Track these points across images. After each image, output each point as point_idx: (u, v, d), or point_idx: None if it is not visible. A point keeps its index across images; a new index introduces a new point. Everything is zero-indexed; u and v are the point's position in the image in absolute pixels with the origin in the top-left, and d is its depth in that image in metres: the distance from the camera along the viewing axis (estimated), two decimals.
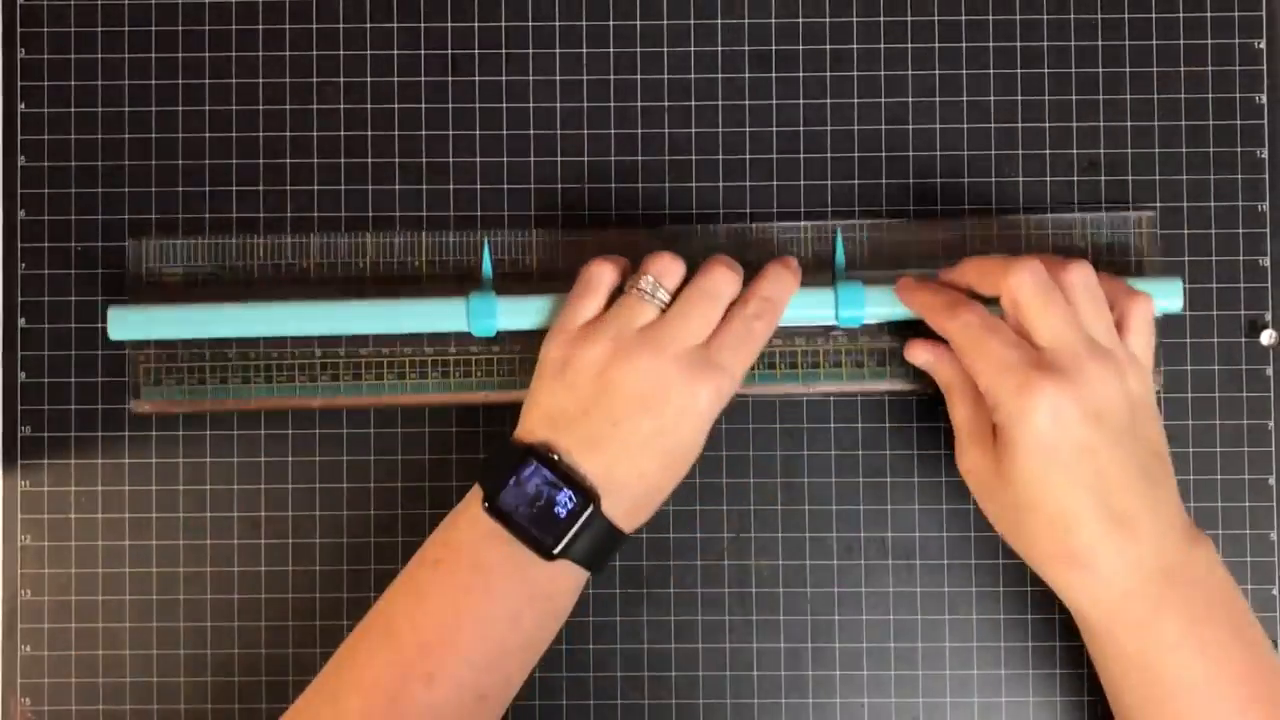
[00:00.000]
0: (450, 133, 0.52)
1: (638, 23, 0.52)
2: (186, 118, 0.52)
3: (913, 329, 0.48)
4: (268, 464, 0.51)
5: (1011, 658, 0.51)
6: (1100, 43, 0.52)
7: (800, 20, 0.52)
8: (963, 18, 0.52)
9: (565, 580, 0.45)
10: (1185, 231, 0.51)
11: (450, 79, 0.52)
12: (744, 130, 0.52)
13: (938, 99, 0.52)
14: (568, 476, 0.43)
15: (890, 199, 0.52)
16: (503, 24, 0.52)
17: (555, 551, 0.43)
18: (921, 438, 0.51)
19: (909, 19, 0.52)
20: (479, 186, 0.52)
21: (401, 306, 0.49)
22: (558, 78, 0.52)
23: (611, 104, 0.52)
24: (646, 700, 0.51)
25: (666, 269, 0.46)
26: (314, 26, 0.52)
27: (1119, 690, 0.44)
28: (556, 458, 0.44)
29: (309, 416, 0.51)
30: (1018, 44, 0.52)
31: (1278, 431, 0.51)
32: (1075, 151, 0.52)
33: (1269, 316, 0.51)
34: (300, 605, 0.51)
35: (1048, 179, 0.51)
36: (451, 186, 0.52)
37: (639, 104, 0.52)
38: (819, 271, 0.50)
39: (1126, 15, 0.52)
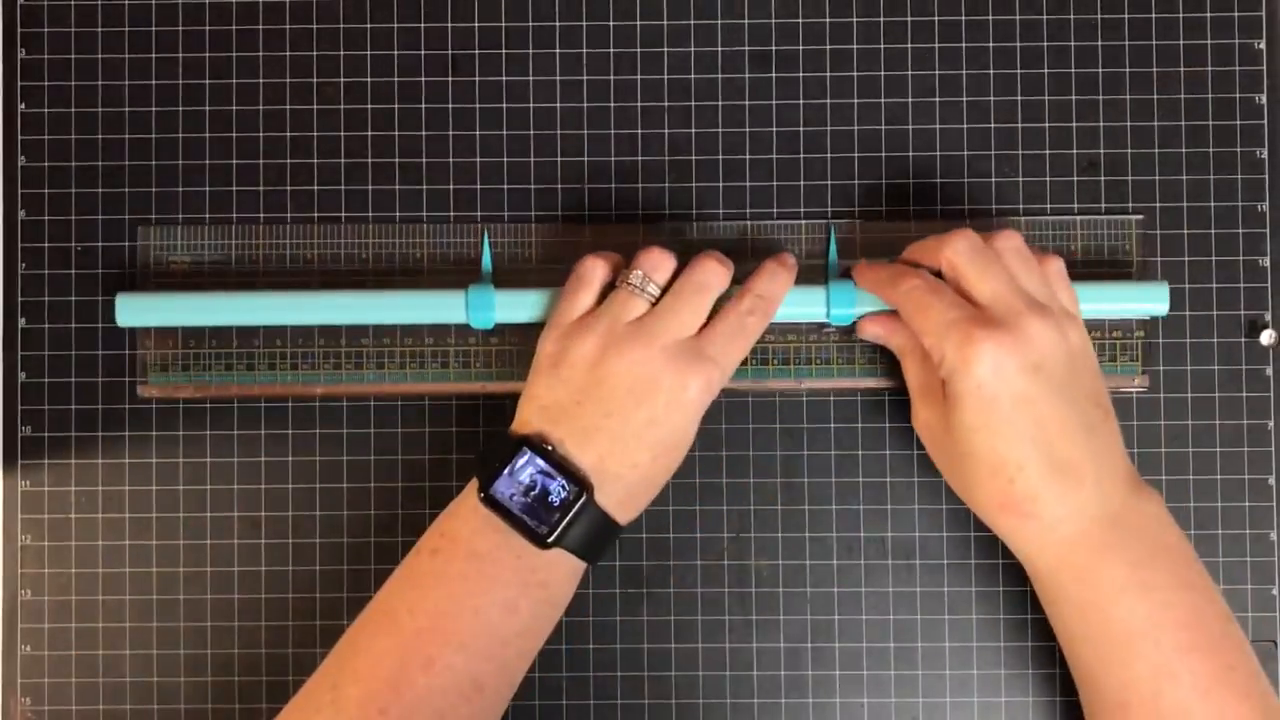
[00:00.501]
0: (450, 133, 0.52)
1: (638, 23, 0.52)
2: (186, 118, 0.52)
3: None
4: (268, 464, 0.51)
5: (1011, 658, 0.51)
6: (1100, 43, 0.52)
7: (800, 20, 0.52)
8: (963, 18, 0.52)
9: (561, 570, 0.45)
10: (1185, 232, 0.51)
11: (450, 79, 0.52)
12: (744, 130, 0.52)
13: (938, 99, 0.52)
14: (561, 466, 0.44)
15: (890, 199, 0.52)
16: (503, 24, 0.52)
17: (549, 540, 0.44)
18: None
19: (909, 19, 0.52)
20: (479, 186, 0.52)
21: (401, 298, 0.50)
22: (558, 78, 0.52)
23: (611, 104, 0.52)
24: (646, 700, 0.51)
25: (657, 263, 0.46)
26: (314, 26, 0.52)
27: (1071, 639, 0.45)
28: (550, 448, 0.44)
29: (309, 416, 0.51)
30: (1018, 44, 0.52)
31: (1278, 431, 0.51)
32: (1075, 151, 0.52)
33: (1269, 316, 0.51)
34: (300, 605, 0.51)
35: (1047, 179, 0.51)
36: (451, 186, 0.52)
37: (639, 104, 0.52)
38: (813, 269, 0.51)
39: (1126, 15, 0.52)
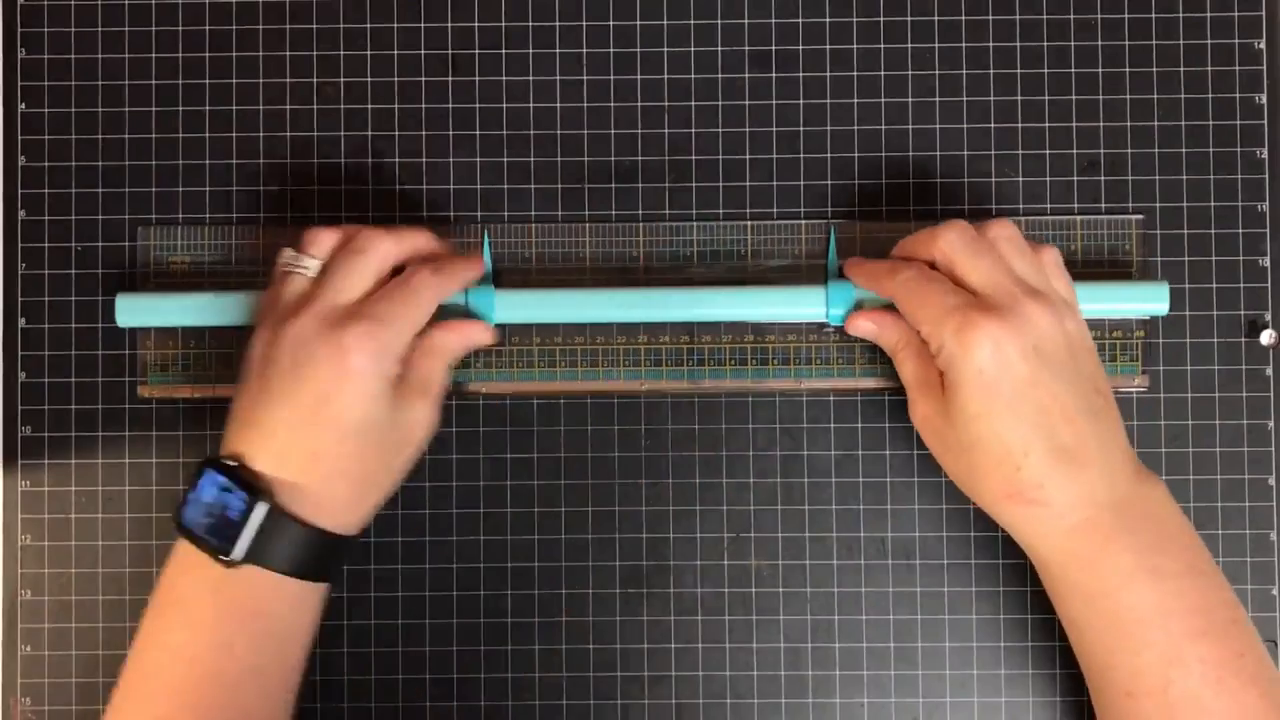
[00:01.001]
0: (450, 133, 0.52)
1: (638, 23, 0.52)
2: (186, 118, 0.52)
3: None
4: None
5: (1011, 658, 0.51)
6: (1100, 43, 0.52)
7: (800, 20, 0.52)
8: (963, 18, 0.52)
9: (274, 595, 0.43)
10: (1185, 231, 0.51)
11: (450, 79, 0.52)
12: (744, 130, 0.52)
13: (938, 99, 0.52)
14: (239, 478, 0.42)
15: (890, 199, 0.52)
16: (503, 24, 0.52)
17: (236, 557, 0.42)
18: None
19: (909, 19, 0.52)
20: (479, 186, 0.52)
21: None
22: (558, 78, 0.52)
23: (611, 104, 0.52)
24: (646, 700, 0.51)
25: (310, 239, 0.46)
26: (314, 26, 0.52)
27: (1079, 628, 0.45)
28: (233, 463, 0.43)
29: None
30: (1018, 44, 0.52)
31: (1278, 431, 0.51)
32: (1075, 151, 0.52)
33: (1269, 316, 0.51)
34: None
35: (1047, 179, 0.52)
36: (451, 187, 0.52)
37: (639, 104, 0.52)
38: (813, 269, 0.51)
39: (1126, 15, 0.52)
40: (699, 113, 0.52)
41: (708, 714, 0.51)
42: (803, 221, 0.51)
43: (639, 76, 0.52)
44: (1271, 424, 0.51)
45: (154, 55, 0.52)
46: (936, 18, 0.52)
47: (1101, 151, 0.52)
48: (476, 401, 0.51)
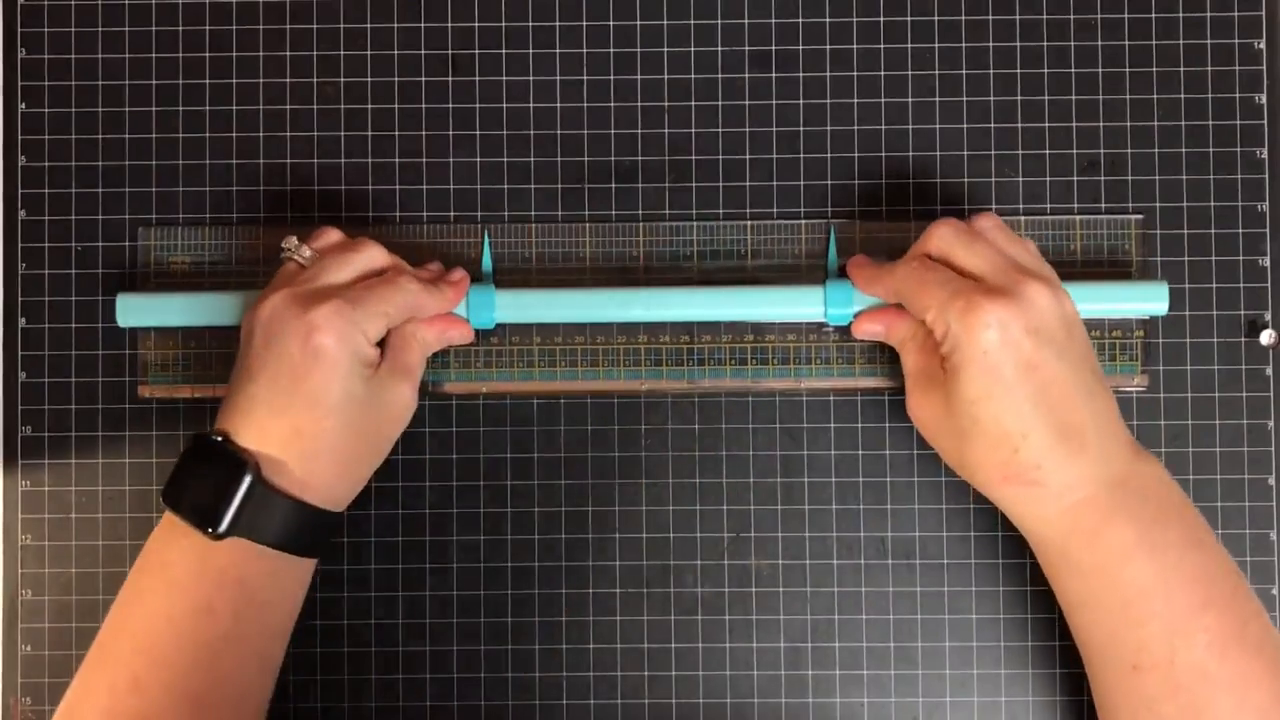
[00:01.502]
0: (450, 133, 0.52)
1: (638, 23, 0.52)
2: (187, 118, 0.52)
3: None
4: None
5: (1011, 658, 0.51)
6: (1100, 43, 0.52)
7: (800, 20, 0.52)
8: (963, 18, 0.52)
9: (259, 566, 0.44)
10: (1185, 231, 0.51)
11: (450, 79, 0.52)
12: (744, 130, 0.52)
13: (938, 99, 0.52)
14: (225, 452, 0.43)
15: (890, 199, 0.52)
16: (503, 24, 0.52)
17: (221, 530, 0.43)
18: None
19: (909, 19, 0.52)
20: (479, 186, 0.52)
21: None
22: (558, 78, 0.52)
23: (612, 104, 0.52)
24: (646, 700, 0.51)
25: (317, 234, 0.48)
26: (314, 26, 0.52)
27: (1079, 606, 0.45)
28: (220, 439, 0.44)
29: None
30: (1018, 44, 0.52)
31: (1278, 431, 0.51)
32: (1075, 151, 0.52)
33: (1269, 316, 0.51)
34: None
35: (1047, 179, 0.52)
36: (451, 187, 0.52)
37: (639, 104, 0.52)
38: (813, 269, 0.51)
39: (1126, 15, 0.52)
40: (699, 113, 0.52)
41: (708, 714, 0.51)
42: (803, 221, 0.51)
43: (639, 76, 0.52)
44: (1271, 424, 0.51)
45: (154, 55, 0.52)
46: (936, 18, 0.52)
47: (1101, 151, 0.52)
48: (477, 402, 0.51)
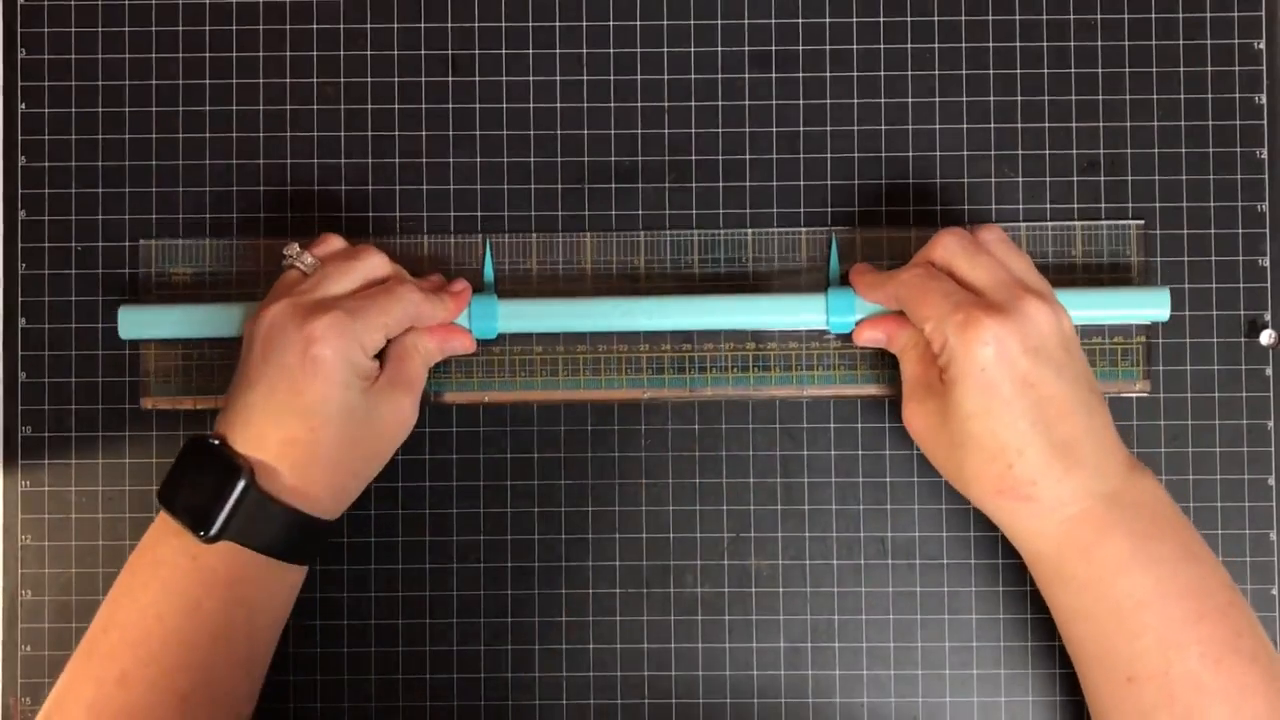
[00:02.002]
0: (450, 133, 0.52)
1: (638, 23, 0.52)
2: (187, 118, 0.52)
3: None
4: None
5: (1011, 658, 0.51)
6: (1100, 43, 0.52)
7: (800, 20, 0.52)
8: (963, 18, 0.52)
9: (249, 569, 0.44)
10: (1185, 232, 0.51)
11: (450, 79, 0.52)
12: (744, 130, 0.52)
13: (938, 99, 0.52)
14: (221, 455, 0.44)
15: (890, 199, 0.52)
16: (503, 24, 0.52)
17: (212, 533, 0.43)
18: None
19: (909, 19, 0.52)
20: (479, 186, 0.52)
21: None
22: (558, 78, 0.52)
23: (612, 104, 0.52)
24: (646, 700, 0.51)
25: (320, 240, 0.48)
26: (314, 26, 0.52)
27: (1074, 619, 0.45)
28: (217, 442, 0.44)
29: None
30: (1018, 44, 0.52)
31: (1277, 431, 0.51)
32: (1075, 151, 0.52)
33: (1269, 316, 0.51)
34: (298, 604, 0.51)
35: (1047, 179, 0.52)
36: (451, 187, 0.52)
37: (639, 104, 0.52)
38: (813, 277, 0.51)
39: (1126, 15, 0.52)
40: (699, 113, 0.52)
41: (707, 714, 0.51)
42: (803, 229, 0.51)
43: (639, 76, 0.52)
44: (1271, 424, 0.51)
45: (154, 55, 0.52)
46: (936, 18, 0.52)
47: (1101, 152, 0.52)
48: (478, 409, 0.51)
